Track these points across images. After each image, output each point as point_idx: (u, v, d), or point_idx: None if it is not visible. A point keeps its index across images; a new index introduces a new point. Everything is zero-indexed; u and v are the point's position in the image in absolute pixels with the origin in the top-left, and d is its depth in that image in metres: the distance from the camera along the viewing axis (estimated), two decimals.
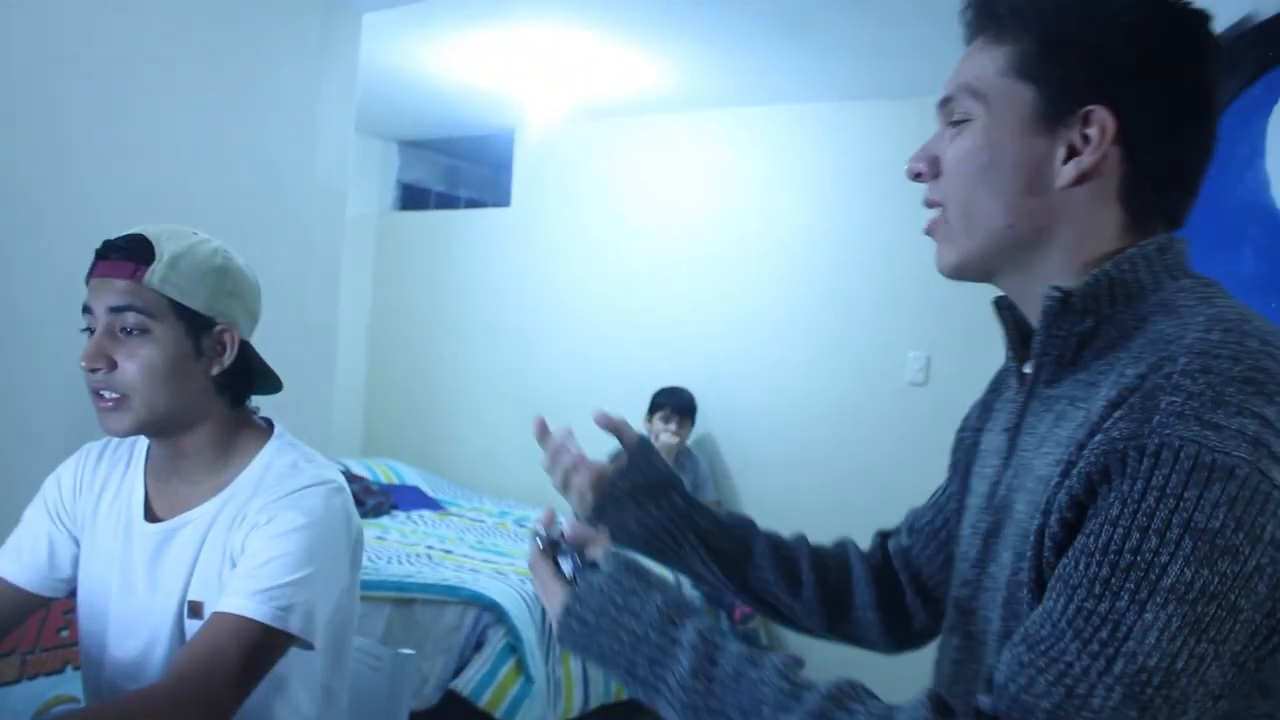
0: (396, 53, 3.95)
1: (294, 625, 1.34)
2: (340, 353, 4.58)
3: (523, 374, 5.16)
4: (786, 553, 1.24)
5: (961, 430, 1.12)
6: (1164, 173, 0.92)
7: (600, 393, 4.85)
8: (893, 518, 1.27)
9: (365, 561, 3.57)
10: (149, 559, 1.46)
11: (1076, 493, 0.79)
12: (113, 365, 1.38)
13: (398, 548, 3.94)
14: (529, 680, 3.17)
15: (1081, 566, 0.76)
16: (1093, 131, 0.89)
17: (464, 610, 3.32)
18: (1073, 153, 0.90)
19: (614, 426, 1.28)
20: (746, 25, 3.41)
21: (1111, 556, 0.75)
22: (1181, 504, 0.73)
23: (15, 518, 1.60)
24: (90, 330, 1.40)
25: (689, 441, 4.47)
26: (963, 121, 0.95)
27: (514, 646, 3.21)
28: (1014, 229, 0.93)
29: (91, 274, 1.41)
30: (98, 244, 1.43)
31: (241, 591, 1.34)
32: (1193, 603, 0.72)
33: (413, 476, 5.07)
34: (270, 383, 1.56)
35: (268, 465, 1.48)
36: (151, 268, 1.38)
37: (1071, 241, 0.92)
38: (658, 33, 3.61)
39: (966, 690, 0.94)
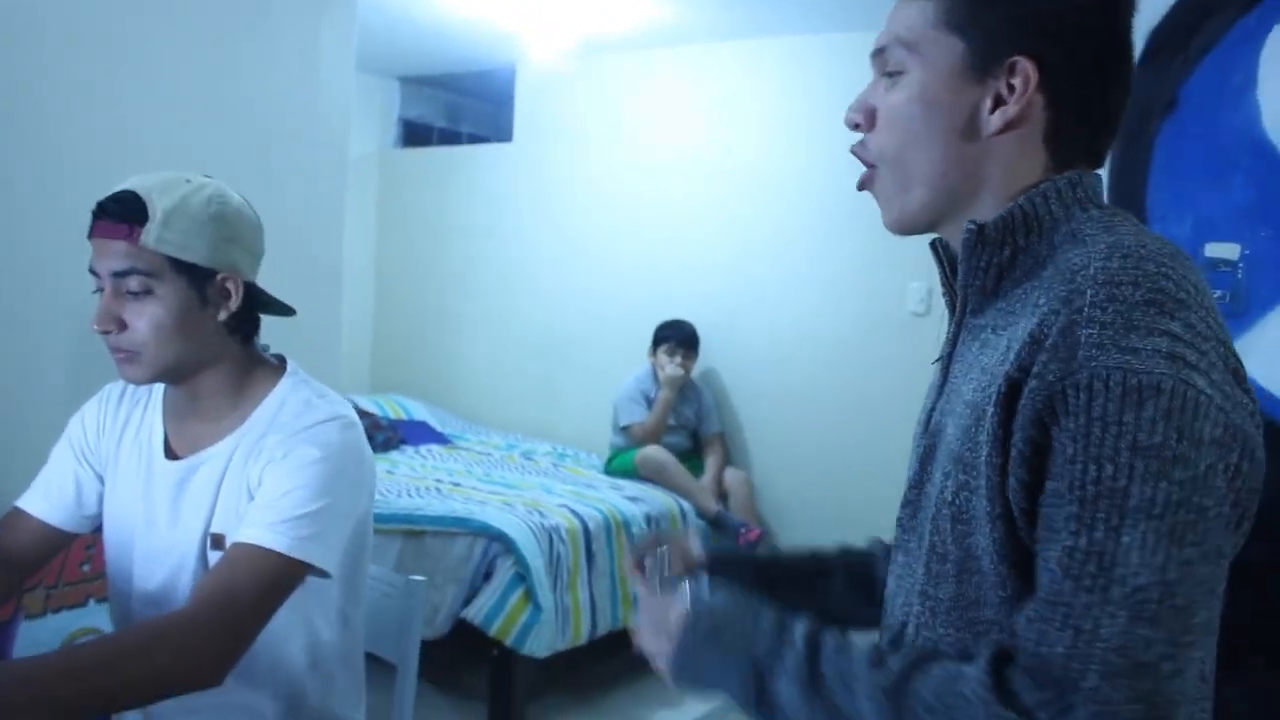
0: None
1: (310, 555, 1.40)
2: (347, 290, 4.63)
3: (527, 309, 5.20)
4: (861, 570, 1.29)
5: (926, 411, 1.17)
6: (1086, 116, 0.97)
7: (604, 326, 4.90)
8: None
9: (376, 495, 3.65)
10: (171, 495, 1.52)
11: (1032, 436, 0.83)
12: (122, 326, 1.43)
13: (407, 481, 4.01)
14: (537, 608, 3.26)
15: (1054, 510, 0.82)
16: (1017, 81, 0.94)
17: (473, 541, 3.39)
18: (999, 102, 0.95)
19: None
20: None
21: (1078, 492, 0.80)
22: (1124, 429, 0.78)
23: (28, 459, 1.65)
24: (100, 290, 1.44)
25: (693, 374, 4.52)
26: (897, 73, 1.00)
27: (522, 576, 3.29)
28: (948, 177, 0.98)
29: (91, 234, 1.44)
30: (99, 192, 1.45)
31: (259, 523, 1.39)
32: (1160, 515, 0.77)
33: (421, 412, 5.14)
34: (280, 311, 1.61)
35: (282, 402, 1.53)
36: (146, 228, 1.40)
37: (999, 184, 0.97)
38: None
39: (905, 603, 1.01)
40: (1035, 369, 0.83)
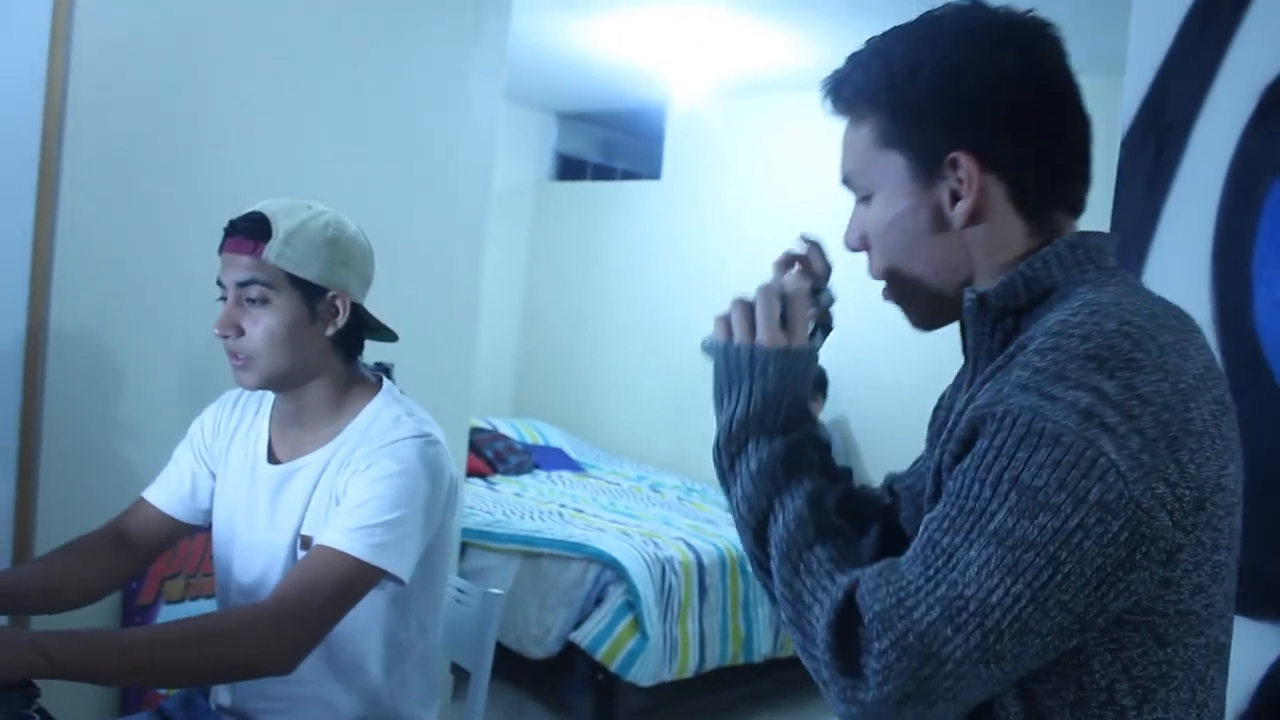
0: (550, 28, 4.10)
1: (384, 561, 1.49)
2: (493, 317, 4.81)
3: (665, 343, 5.28)
4: (860, 503, 1.31)
5: (937, 407, 1.19)
6: (1044, 177, 1.00)
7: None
8: None
9: (500, 515, 3.78)
10: (270, 496, 1.65)
11: (955, 451, 0.90)
12: (240, 332, 1.57)
13: (533, 504, 4.13)
14: (644, 637, 3.31)
15: (940, 508, 0.88)
16: (962, 174, 0.98)
17: (587, 566, 3.47)
18: (956, 196, 0.99)
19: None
20: (884, 4, 3.42)
21: (959, 500, 0.86)
22: (1013, 462, 0.83)
23: (144, 459, 1.81)
24: (224, 299, 1.60)
25: (822, 417, 4.52)
26: (867, 196, 1.06)
27: (632, 604, 3.35)
28: (940, 274, 1.03)
29: (221, 249, 1.60)
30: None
31: (340, 528, 1.50)
32: (1011, 548, 0.82)
33: (557, 438, 5.27)
34: (384, 335, 1.73)
35: (375, 417, 1.64)
36: (269, 244, 1.56)
37: (990, 262, 1.01)
38: (796, 9, 3.66)
39: None
40: (974, 396, 0.91)
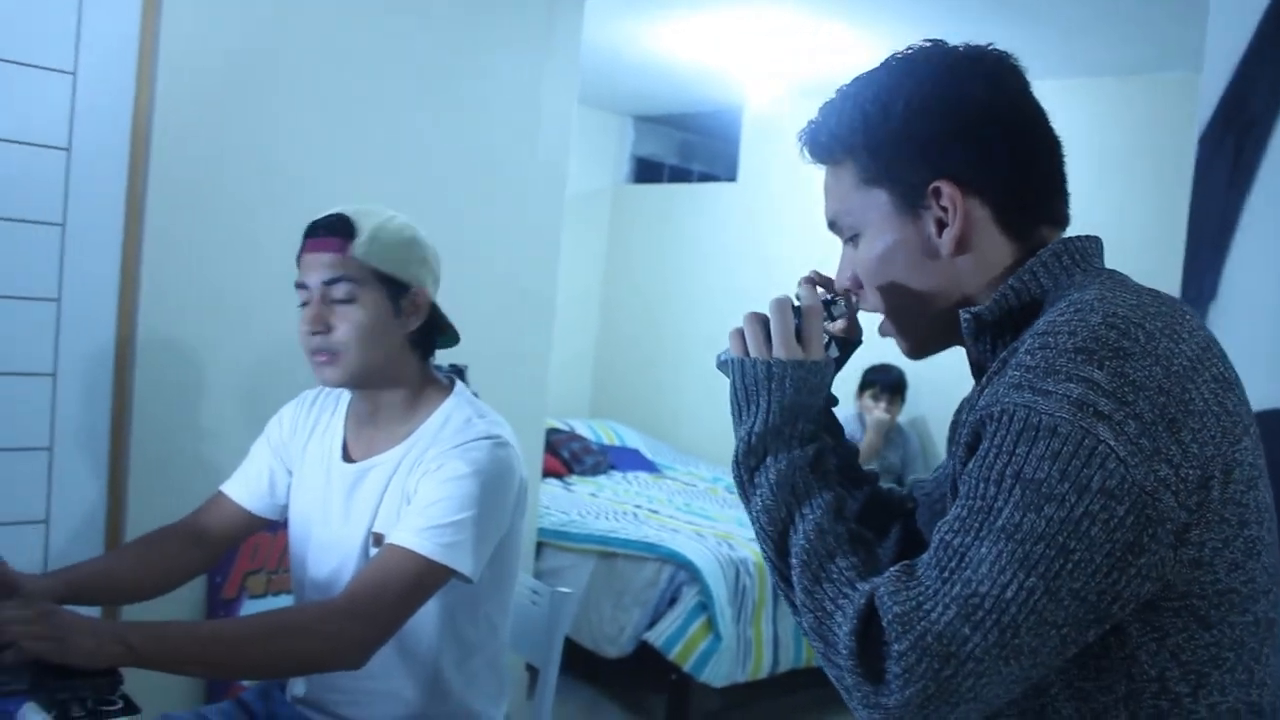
0: (623, 32, 4.13)
1: (453, 560, 1.53)
2: (571, 320, 4.85)
3: None
4: (885, 505, 1.30)
5: (956, 415, 1.20)
6: (1026, 195, 1.04)
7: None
8: None
9: (575, 515, 3.82)
10: (344, 494, 1.70)
11: (963, 458, 0.93)
12: (329, 329, 1.61)
13: (609, 505, 4.17)
14: (717, 638, 3.32)
15: (951, 512, 0.90)
16: (945, 203, 1.01)
17: (661, 567, 3.49)
18: (941, 225, 1.03)
19: None
20: (957, 2, 3.39)
21: (969, 502, 0.87)
22: (1013, 459, 0.85)
23: (226, 457, 1.86)
24: (305, 303, 1.64)
25: (900, 418, 4.48)
26: (855, 237, 1.10)
27: (705, 605, 3.36)
28: (935, 301, 1.06)
29: (302, 252, 1.65)
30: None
31: (411, 527, 1.54)
32: (1020, 541, 0.83)
33: (634, 439, 5.30)
34: (451, 338, 1.77)
35: (447, 418, 1.68)
36: (355, 241, 1.61)
37: (981, 283, 1.05)
38: (869, 9, 3.64)
39: None
40: (975, 403, 0.94)
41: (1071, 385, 0.85)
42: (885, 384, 4.40)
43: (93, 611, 2.00)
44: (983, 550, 0.84)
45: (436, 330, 1.74)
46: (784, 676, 3.59)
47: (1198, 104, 2.17)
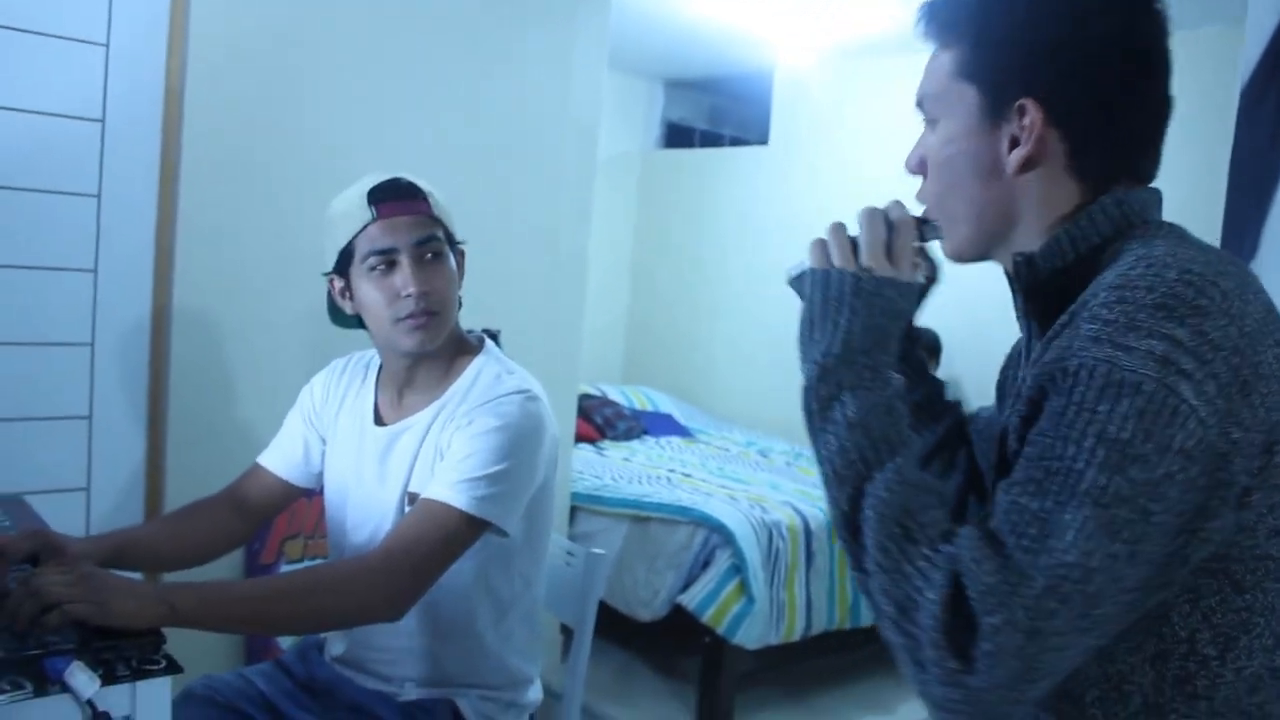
0: None
1: (488, 513, 1.54)
2: (602, 285, 4.84)
3: (774, 309, 5.25)
4: (958, 433, 1.28)
5: (1006, 368, 1.20)
6: (1106, 142, 0.98)
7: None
8: None
9: (609, 480, 3.84)
10: (378, 457, 1.71)
11: (1024, 413, 0.88)
12: (428, 287, 1.61)
13: (642, 469, 4.18)
14: (751, 600, 3.33)
15: (1020, 472, 0.85)
16: (1027, 121, 0.97)
17: (694, 530, 3.50)
18: (1014, 143, 0.99)
19: None
20: None
21: (1042, 463, 0.83)
22: (1095, 416, 0.81)
23: (262, 426, 1.89)
24: (385, 268, 1.61)
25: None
26: (934, 122, 1.06)
27: (738, 567, 3.37)
28: (984, 217, 1.03)
29: (378, 216, 1.60)
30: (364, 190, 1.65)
31: (444, 482, 1.55)
32: (1105, 505, 0.80)
33: (667, 404, 5.30)
34: None
35: (477, 375, 1.69)
36: (432, 200, 1.64)
37: (1035, 217, 1.01)
38: None
39: None
40: (1039, 357, 0.89)
41: (1154, 341, 0.81)
42: (922, 346, 4.37)
43: (134, 575, 2.04)
44: (1066, 516, 0.80)
45: None
46: (817, 639, 3.60)
47: (1239, 57, 2.13)
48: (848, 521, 0.92)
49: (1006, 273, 1.07)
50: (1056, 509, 0.81)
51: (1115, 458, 0.80)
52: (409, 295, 1.59)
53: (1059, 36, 0.96)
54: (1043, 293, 0.99)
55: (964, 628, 0.81)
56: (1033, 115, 0.97)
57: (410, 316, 1.61)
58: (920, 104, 1.08)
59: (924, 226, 1.06)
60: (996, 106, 0.99)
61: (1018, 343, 1.20)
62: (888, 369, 0.97)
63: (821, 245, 1.04)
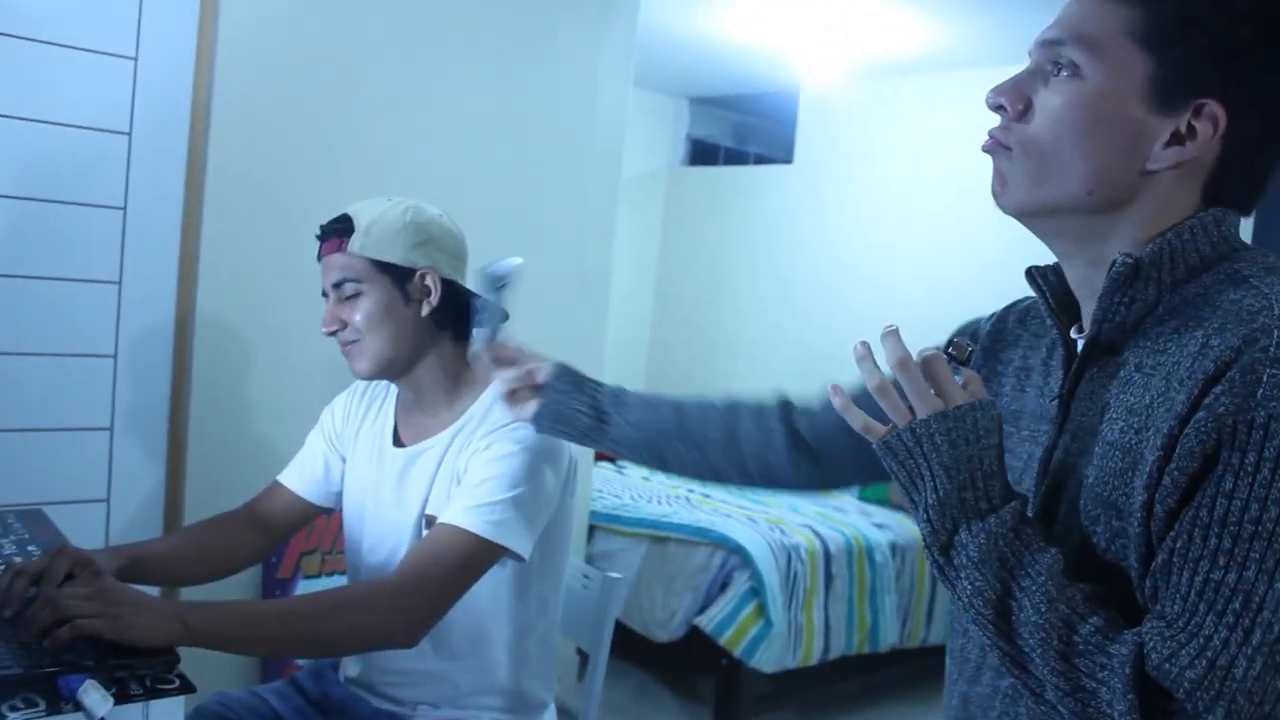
0: (679, 12, 4.10)
1: (503, 538, 1.53)
2: (626, 303, 4.83)
3: (798, 329, 5.24)
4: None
5: (969, 336, 1.17)
6: (1256, 172, 0.91)
7: (879, 349, 4.86)
8: None
9: (628, 499, 3.83)
10: (396, 479, 1.71)
11: (1191, 469, 0.81)
12: (343, 325, 1.65)
13: (662, 489, 4.16)
14: (768, 623, 3.31)
15: (1199, 540, 0.79)
16: (1201, 124, 0.88)
17: (712, 551, 3.49)
18: (1175, 139, 0.89)
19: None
20: None
21: (1231, 528, 0.77)
22: None
23: (282, 441, 1.89)
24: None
25: None
26: (1067, 72, 0.92)
27: (757, 590, 3.35)
28: (1093, 196, 0.92)
29: (319, 256, 1.69)
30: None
31: (461, 506, 1.55)
32: None
33: None
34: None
35: (495, 399, 1.67)
36: (352, 238, 1.64)
37: (1145, 217, 0.92)
38: None
39: None
40: (1206, 402, 0.80)
41: None
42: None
43: (151, 591, 2.04)
44: (1277, 585, 0.76)
45: (463, 307, 1.72)
46: (835, 663, 3.58)
47: None
48: (1009, 657, 0.87)
49: (1032, 275, 1.03)
50: (1262, 577, 0.76)
51: None
52: (324, 331, 1.67)
53: (1273, 47, 0.87)
54: (1128, 301, 0.91)
55: None
56: (1216, 120, 0.88)
57: (342, 349, 1.68)
58: (1056, 44, 0.93)
59: (951, 352, 0.99)
60: (1170, 91, 0.88)
61: (996, 317, 1.20)
62: (996, 495, 0.91)
63: (882, 416, 0.97)
